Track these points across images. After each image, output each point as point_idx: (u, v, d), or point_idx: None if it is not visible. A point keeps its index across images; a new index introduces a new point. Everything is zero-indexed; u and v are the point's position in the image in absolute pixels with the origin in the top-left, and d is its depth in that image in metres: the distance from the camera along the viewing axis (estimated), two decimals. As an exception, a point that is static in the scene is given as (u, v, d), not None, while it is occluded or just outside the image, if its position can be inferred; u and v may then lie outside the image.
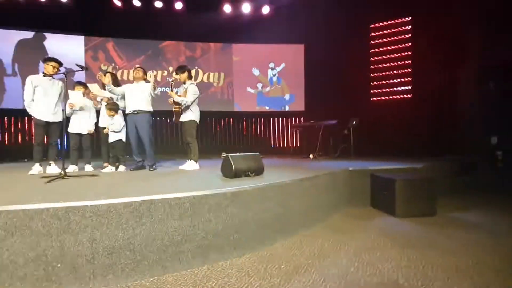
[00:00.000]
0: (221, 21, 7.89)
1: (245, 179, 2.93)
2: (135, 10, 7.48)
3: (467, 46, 6.50)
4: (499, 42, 5.86)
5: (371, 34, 7.67)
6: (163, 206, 2.00)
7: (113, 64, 7.91)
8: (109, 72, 4.32)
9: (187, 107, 4.01)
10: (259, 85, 8.74)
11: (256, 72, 8.72)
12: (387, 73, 7.50)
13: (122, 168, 4.12)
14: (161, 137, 8.13)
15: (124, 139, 4.17)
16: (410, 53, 7.19)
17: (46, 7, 7.00)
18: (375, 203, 3.85)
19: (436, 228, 2.97)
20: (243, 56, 8.62)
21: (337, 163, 4.75)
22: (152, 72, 7.96)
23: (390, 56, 7.44)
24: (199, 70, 8.42)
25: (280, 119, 8.93)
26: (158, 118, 8.00)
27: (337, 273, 1.99)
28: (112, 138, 4.11)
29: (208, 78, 8.49)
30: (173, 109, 4.06)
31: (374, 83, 7.66)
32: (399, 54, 7.32)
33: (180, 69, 4.10)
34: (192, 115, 4.03)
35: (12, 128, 7.32)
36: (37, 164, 3.77)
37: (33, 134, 3.90)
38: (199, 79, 8.34)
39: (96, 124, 4.39)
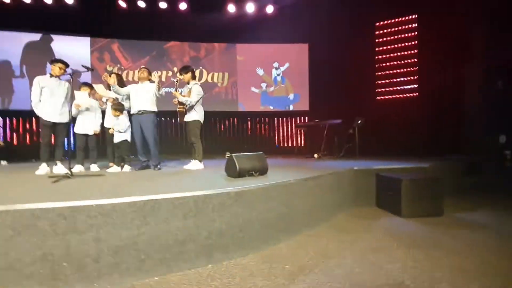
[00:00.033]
0: (225, 21, 7.90)
1: (249, 179, 2.93)
2: (140, 11, 7.54)
3: (472, 45, 6.40)
4: (504, 42, 5.77)
5: (376, 33, 7.60)
6: (167, 205, 2.01)
7: (118, 65, 7.99)
8: (114, 72, 4.36)
9: (191, 107, 4.02)
10: (263, 85, 8.73)
11: (260, 71, 8.72)
12: (392, 71, 7.42)
13: (127, 168, 4.15)
14: (166, 137, 8.17)
15: (129, 139, 4.20)
16: (416, 51, 7.10)
17: (53, 10, 7.10)
18: (381, 203, 3.81)
19: (443, 229, 2.93)
20: (247, 56, 8.62)
21: (342, 163, 4.72)
22: (157, 72, 8.01)
23: (396, 54, 7.36)
24: (204, 70, 8.45)
25: (284, 118, 8.91)
26: (163, 118, 8.04)
27: (342, 273, 1.98)
28: (117, 138, 4.14)
29: (212, 78, 8.51)
30: (177, 109, 4.08)
31: (379, 82, 7.59)
32: (405, 53, 7.25)
33: (184, 70, 4.12)
34: (196, 115, 4.05)
35: (21, 129, 7.43)
36: (44, 164, 3.82)
37: (40, 134, 3.95)
38: (203, 79, 8.37)
39: (102, 124, 4.44)
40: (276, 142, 8.91)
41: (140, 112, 4.00)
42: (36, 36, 7.46)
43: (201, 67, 8.41)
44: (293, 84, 8.76)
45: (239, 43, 8.54)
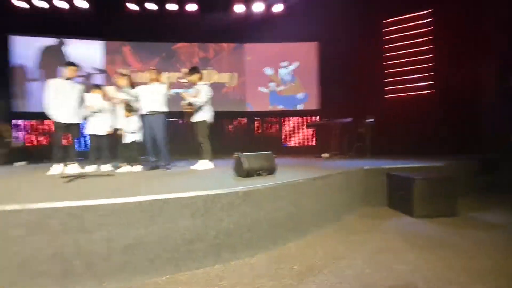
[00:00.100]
0: (234, 22, 7.92)
1: (258, 179, 2.91)
2: (150, 14, 7.65)
3: (489, 40, 6.17)
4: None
5: (387, 29, 7.45)
6: (176, 205, 2.02)
7: (129, 67, 8.12)
8: (125, 74, 4.43)
9: (200, 108, 4.05)
10: (272, 84, 8.70)
11: (269, 71, 8.69)
12: (405, 69, 7.25)
13: (137, 168, 4.21)
14: (175, 137, 8.25)
15: (139, 140, 4.26)
16: (431, 46, 6.90)
17: (66, 15, 7.29)
18: (392, 203, 3.73)
19: (456, 229, 2.84)
20: (255, 56, 8.62)
21: (352, 162, 4.64)
22: (167, 73, 8.10)
23: (409, 51, 7.18)
24: (212, 70, 8.49)
25: (293, 118, 8.85)
26: (172, 119, 8.12)
27: (352, 274, 1.94)
28: (128, 138, 4.21)
29: (221, 78, 8.55)
30: (186, 110, 4.11)
31: (391, 79, 7.44)
32: (419, 49, 7.05)
33: (192, 71, 4.16)
34: (204, 115, 4.07)
35: (36, 131, 7.67)
36: (57, 164, 3.92)
37: (53, 135, 4.06)
38: (212, 80, 8.41)
39: (113, 125, 4.51)
40: (285, 142, 8.86)
41: (150, 113, 4.05)
42: (50, 41, 7.69)
43: (210, 68, 8.45)
44: (302, 83, 8.70)
45: (247, 43, 8.54)
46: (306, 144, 8.81)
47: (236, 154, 3.21)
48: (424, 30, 7.00)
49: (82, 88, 4.08)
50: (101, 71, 7.86)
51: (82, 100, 4.09)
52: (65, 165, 4.02)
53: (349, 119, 6.15)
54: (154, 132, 4.05)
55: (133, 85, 4.38)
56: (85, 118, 4.25)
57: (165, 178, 3.22)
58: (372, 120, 5.94)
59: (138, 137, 4.24)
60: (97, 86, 4.52)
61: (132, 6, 7.50)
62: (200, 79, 4.19)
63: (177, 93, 4.47)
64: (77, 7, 7.21)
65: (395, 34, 7.34)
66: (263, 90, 8.67)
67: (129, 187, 2.56)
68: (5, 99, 6.95)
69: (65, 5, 7.18)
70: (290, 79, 8.72)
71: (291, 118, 8.83)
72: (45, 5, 7.10)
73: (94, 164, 4.32)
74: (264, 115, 8.78)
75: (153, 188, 2.48)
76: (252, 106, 8.65)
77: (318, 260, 2.18)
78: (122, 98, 4.32)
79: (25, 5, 7.04)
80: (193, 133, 4.24)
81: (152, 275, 1.92)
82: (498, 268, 1.99)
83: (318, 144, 8.21)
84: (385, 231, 2.85)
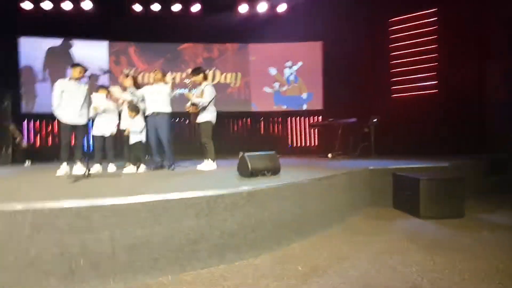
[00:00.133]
0: (238, 22, 7.92)
1: (262, 179, 2.91)
2: (154, 15, 7.68)
3: (495, 38, 6.07)
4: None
5: (392, 28, 7.37)
6: (180, 205, 2.02)
7: (134, 68, 8.18)
8: (130, 75, 4.46)
9: (204, 108, 4.06)
10: (276, 84, 8.68)
11: (273, 71, 8.68)
12: (409, 68, 7.17)
13: (142, 168, 4.24)
14: (179, 137, 8.29)
15: (144, 140, 4.29)
16: (435, 46, 6.83)
17: (72, 16, 7.36)
18: (398, 203, 3.69)
19: (464, 231, 2.80)
20: (259, 56, 8.61)
21: (357, 162, 4.61)
22: (171, 73, 8.15)
23: (413, 50, 7.10)
24: (217, 71, 8.51)
25: (298, 118, 8.82)
26: (177, 119, 8.17)
27: (357, 275, 1.92)
28: (133, 139, 4.24)
29: (225, 78, 8.56)
30: (190, 110, 4.12)
31: (395, 79, 7.37)
32: (423, 48, 6.98)
33: (196, 71, 4.17)
34: (208, 115, 4.08)
35: (43, 131, 7.77)
36: (64, 165, 3.96)
37: (60, 136, 4.11)
38: (216, 80, 8.43)
39: (118, 125, 4.55)
40: (290, 142, 8.83)
41: (155, 113, 4.07)
42: (57, 42, 7.77)
43: (214, 68, 8.47)
44: (307, 83, 8.66)
45: (251, 43, 8.53)
46: (310, 144, 8.77)
47: (241, 154, 3.21)
48: (428, 29, 6.92)
49: (88, 89, 4.12)
50: (107, 72, 7.93)
51: (88, 101, 4.13)
52: (72, 165, 4.07)
53: (353, 119, 6.11)
54: (158, 132, 4.07)
55: (138, 85, 4.42)
56: (91, 119, 4.29)
57: (170, 178, 3.24)
58: (376, 120, 5.89)
59: (143, 137, 4.26)
60: (103, 87, 4.56)
61: (137, 7, 7.55)
62: (204, 79, 4.20)
63: (182, 94, 4.50)
64: (83, 8, 7.29)
65: (401, 33, 7.27)
66: (268, 90, 8.66)
67: (134, 187, 2.58)
68: (14, 100, 7.05)
69: (71, 7, 7.26)
70: (294, 79, 8.69)
71: (295, 118, 8.80)
72: (52, 7, 7.19)
73: (99, 164, 4.36)
74: (269, 115, 8.76)
75: (158, 188, 2.49)
76: (257, 106, 8.64)
77: (322, 260, 2.17)
78: (127, 98, 4.35)
79: (32, 7, 7.14)
80: (197, 133, 4.25)
81: (157, 274, 1.93)
82: (505, 270, 1.95)
83: (323, 144, 8.16)
84: (391, 232, 2.83)
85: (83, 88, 4.07)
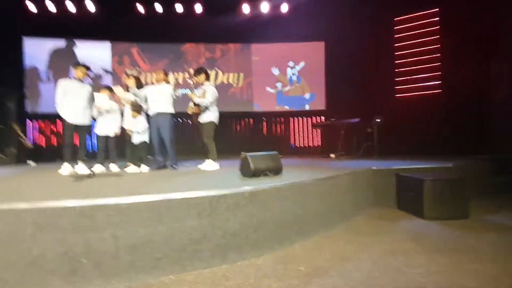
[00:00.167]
0: (240, 22, 7.92)
1: (264, 179, 2.90)
2: (157, 15, 7.72)
3: (499, 37, 6.01)
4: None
5: (395, 28, 7.34)
6: (182, 205, 2.02)
7: (137, 68, 8.21)
8: (133, 75, 4.48)
9: (206, 108, 4.06)
10: (279, 85, 8.67)
11: (275, 71, 8.67)
12: (412, 68, 7.13)
13: (145, 168, 4.25)
14: (182, 137, 8.30)
15: (147, 140, 4.30)
16: (438, 46, 6.78)
17: (76, 17, 7.42)
18: (401, 204, 3.66)
19: (468, 232, 2.77)
20: (262, 56, 8.60)
21: (360, 163, 4.59)
22: (173, 74, 8.17)
23: (416, 50, 7.07)
24: (219, 71, 8.52)
25: (300, 118, 8.80)
26: (179, 119, 8.18)
27: (360, 277, 1.91)
28: (135, 139, 4.26)
29: (227, 79, 8.56)
30: (193, 111, 4.13)
31: (399, 79, 7.33)
32: (427, 48, 6.94)
33: (198, 71, 4.19)
34: (210, 116, 4.09)
35: (47, 131, 7.83)
36: (67, 164, 3.99)
37: (63, 135, 4.14)
38: (218, 80, 8.44)
39: (121, 125, 4.57)
40: (292, 142, 8.81)
41: (157, 113, 4.08)
42: (61, 42, 7.83)
43: (216, 68, 8.48)
44: (309, 83, 8.64)
45: (254, 43, 8.53)
46: (313, 144, 8.75)
47: (243, 154, 3.21)
48: (431, 29, 6.87)
49: (91, 89, 4.14)
50: (110, 72, 7.98)
51: (91, 101, 4.15)
52: (75, 165, 4.09)
53: (356, 119, 6.08)
54: (161, 132, 4.08)
55: (140, 85, 4.43)
56: (93, 119, 4.32)
57: (172, 178, 3.24)
58: (379, 120, 5.86)
59: (145, 137, 4.27)
60: (106, 87, 4.58)
61: (140, 8, 7.59)
62: (206, 79, 4.21)
63: (184, 94, 4.50)
64: (86, 9, 7.34)
65: (404, 33, 7.23)
66: (270, 90, 8.65)
67: (136, 187, 2.58)
68: (18, 100, 7.12)
69: (75, 8, 7.31)
70: (297, 79, 8.68)
71: (298, 118, 8.78)
72: (56, 8, 7.24)
73: (102, 164, 4.37)
74: (271, 116, 8.75)
75: (160, 188, 2.49)
76: (259, 106, 8.64)
77: (325, 261, 2.16)
78: (130, 98, 4.37)
79: (37, 8, 7.20)
80: (200, 133, 4.26)
81: (159, 274, 1.93)
82: (511, 272, 1.93)
83: (325, 144, 8.13)
84: (394, 232, 2.80)
85: (86, 88, 4.10)
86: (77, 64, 4.12)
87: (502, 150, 5.72)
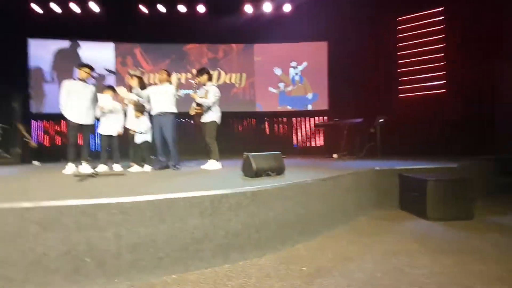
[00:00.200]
0: (243, 22, 7.93)
1: (266, 179, 2.90)
2: (160, 16, 7.75)
3: (506, 36, 5.95)
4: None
5: (399, 28, 7.30)
6: (184, 204, 2.03)
7: (140, 68, 8.25)
8: (136, 75, 4.50)
9: (208, 108, 4.07)
10: (281, 85, 8.67)
11: (278, 71, 8.66)
12: (416, 68, 7.09)
13: (147, 167, 4.27)
14: (184, 137, 8.33)
15: (150, 140, 4.32)
16: (442, 45, 6.74)
17: (79, 18, 7.47)
18: (404, 205, 3.64)
19: (473, 233, 2.74)
20: (264, 56, 8.60)
21: (363, 163, 4.56)
22: (176, 74, 8.19)
23: (420, 49, 7.02)
24: (221, 71, 8.53)
25: (303, 118, 8.78)
26: (182, 119, 8.20)
27: (363, 277, 1.90)
28: (138, 139, 4.28)
29: (230, 79, 8.57)
30: (195, 111, 4.14)
31: (402, 79, 7.29)
32: (431, 47, 6.89)
33: (200, 72, 4.20)
34: (213, 116, 4.09)
35: (51, 131, 7.89)
36: (71, 164, 4.01)
37: (67, 135, 4.17)
38: (221, 80, 8.45)
39: (124, 125, 4.59)
40: (295, 142, 8.80)
41: (160, 114, 4.10)
42: (65, 43, 7.90)
43: (219, 69, 8.49)
44: (312, 83, 8.63)
45: (256, 44, 8.54)
46: (316, 144, 8.73)
47: (245, 154, 3.21)
48: (435, 28, 6.83)
49: (94, 89, 4.16)
50: (113, 72, 8.02)
51: (95, 101, 4.17)
52: (78, 165, 4.11)
53: (359, 119, 6.05)
54: (164, 132, 4.10)
55: (143, 86, 4.45)
56: (97, 119, 4.34)
57: (175, 177, 3.25)
58: (382, 120, 5.83)
59: (148, 137, 4.29)
60: (109, 87, 4.61)
61: (143, 9, 7.62)
62: (209, 80, 4.21)
63: (186, 94, 4.52)
64: (90, 10, 7.39)
65: (407, 32, 7.19)
66: (273, 90, 8.65)
67: (139, 186, 2.59)
68: (23, 100, 7.19)
69: (79, 9, 7.36)
70: (300, 79, 8.66)
71: (300, 118, 8.77)
72: (60, 9, 7.30)
73: (105, 163, 4.40)
74: (274, 116, 8.75)
75: (163, 187, 2.50)
76: (262, 106, 8.64)
77: (327, 261, 2.15)
78: (133, 99, 4.39)
79: (42, 9, 7.26)
80: (202, 133, 4.27)
81: (162, 274, 1.94)
82: (517, 274, 1.91)
83: (328, 144, 8.11)
84: (397, 233, 2.79)
85: (90, 88, 4.12)
86: (81, 65, 4.15)
87: (506, 150, 5.66)
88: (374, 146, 5.89)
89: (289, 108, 8.68)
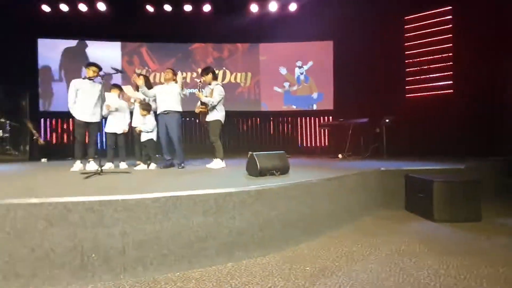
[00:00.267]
0: (248, 22, 7.93)
1: (270, 178, 2.90)
2: (166, 15, 7.79)
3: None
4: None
5: (406, 27, 7.21)
6: (188, 202, 2.04)
7: (146, 68, 8.32)
8: (142, 74, 4.54)
9: (213, 107, 4.09)
10: (286, 84, 8.65)
11: (283, 71, 8.65)
12: (424, 67, 7.00)
13: (153, 166, 4.30)
14: (190, 136, 8.38)
15: (155, 139, 4.35)
16: (450, 45, 6.64)
17: (87, 18, 7.56)
18: (410, 206, 3.60)
19: (480, 235, 2.70)
20: (270, 55, 8.59)
21: (368, 163, 4.53)
22: (182, 73, 8.23)
23: (428, 49, 6.93)
24: (227, 70, 8.54)
25: (308, 118, 8.75)
26: (187, 118, 8.25)
27: (367, 278, 1.88)
28: (144, 137, 4.31)
29: (235, 78, 8.58)
30: (200, 110, 4.16)
31: (409, 78, 7.21)
32: (438, 47, 6.80)
33: (205, 71, 4.21)
34: (217, 114, 4.10)
35: (59, 129, 8.01)
36: (78, 161, 4.07)
37: (74, 133, 4.23)
38: (226, 80, 8.46)
39: (130, 124, 4.63)
40: (299, 142, 8.78)
41: (166, 112, 4.12)
42: (72, 43, 8.00)
43: (224, 68, 8.51)
44: (317, 83, 8.59)
45: (262, 43, 8.53)
46: (321, 144, 8.69)
47: (250, 153, 3.21)
48: (443, 28, 6.73)
49: (102, 88, 4.21)
50: (119, 71, 8.09)
51: (102, 99, 4.22)
52: (85, 162, 4.17)
53: (364, 119, 6.01)
54: (169, 131, 4.12)
55: (150, 85, 4.48)
56: (103, 117, 4.39)
57: (179, 176, 3.27)
58: (388, 120, 5.77)
59: (154, 135, 4.32)
60: (116, 86, 4.66)
61: (149, 8, 7.68)
62: (214, 79, 4.23)
63: (191, 93, 4.54)
64: (97, 10, 7.47)
65: (415, 32, 7.10)
66: (278, 89, 8.63)
67: (144, 184, 2.62)
68: (32, 98, 7.32)
69: (86, 9, 7.45)
70: (305, 78, 8.63)
71: (306, 118, 8.74)
72: (68, 9, 7.40)
73: (111, 161, 4.45)
74: (279, 115, 8.73)
75: (168, 185, 2.52)
76: (267, 105, 8.63)
77: (331, 262, 2.14)
78: (139, 97, 4.43)
79: (51, 9, 7.37)
80: (207, 132, 4.28)
81: (166, 270, 1.95)
82: (526, 277, 1.87)
83: (332, 145, 8.07)
84: (403, 234, 2.76)
85: (97, 87, 4.17)
86: (88, 64, 4.21)
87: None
88: (379, 147, 5.84)
89: (294, 107, 8.66)
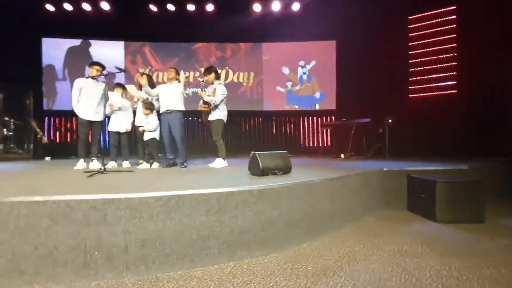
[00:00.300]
0: (251, 21, 7.93)
1: (273, 178, 2.90)
2: (169, 14, 7.81)
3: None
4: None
5: (410, 26, 7.18)
6: (191, 201, 2.05)
7: (149, 67, 8.35)
8: (145, 74, 4.56)
9: (215, 107, 4.09)
10: (289, 84, 8.64)
11: (286, 70, 8.64)
12: (427, 67, 6.96)
13: (155, 165, 4.32)
14: (192, 135, 8.40)
15: (158, 138, 4.36)
16: (454, 45, 6.60)
17: (91, 17, 7.60)
18: (412, 206, 3.59)
19: (483, 236, 2.68)
20: (272, 55, 8.59)
21: (371, 163, 4.52)
22: (184, 73, 8.25)
23: (432, 49, 6.89)
24: (229, 70, 8.55)
25: (310, 118, 8.74)
26: (190, 118, 8.27)
27: (368, 278, 1.88)
28: (147, 136, 4.33)
29: (238, 78, 8.59)
30: (202, 109, 4.17)
31: (412, 78, 7.17)
32: (442, 47, 6.76)
33: (207, 70, 4.22)
34: (220, 114, 4.11)
35: (63, 128, 8.06)
36: (81, 160, 4.10)
37: (78, 132, 4.25)
38: (229, 79, 8.47)
39: (133, 123, 4.65)
40: (302, 142, 8.77)
41: (169, 111, 4.14)
42: (76, 42, 8.04)
43: (227, 67, 8.51)
44: (320, 83, 8.57)
45: (264, 43, 8.53)
46: (323, 144, 8.68)
47: (253, 152, 3.22)
48: (447, 27, 6.69)
49: (105, 87, 4.23)
50: (122, 70, 8.13)
51: (106, 98, 4.24)
52: (89, 161, 4.19)
53: (367, 119, 5.99)
54: (172, 130, 4.14)
55: (153, 84, 4.50)
56: (107, 116, 4.41)
57: (182, 175, 3.28)
58: (390, 120, 5.75)
59: (156, 135, 4.34)
60: (119, 85, 4.68)
61: (152, 8, 7.70)
62: (216, 78, 4.23)
63: (194, 92, 4.55)
64: (101, 9, 7.51)
65: (418, 32, 7.07)
66: (280, 89, 8.63)
67: (147, 183, 2.63)
68: (36, 97, 7.37)
69: (90, 8, 7.49)
70: (308, 78, 8.62)
71: (308, 118, 8.72)
72: (72, 9, 7.44)
73: (114, 160, 4.47)
74: (281, 115, 8.73)
75: (171, 184, 2.53)
76: (270, 105, 8.63)
77: (333, 262, 2.14)
78: (142, 97, 4.45)
79: (55, 8, 7.42)
80: (209, 131, 4.29)
81: (168, 269, 1.96)
82: (529, 279, 1.86)
83: (335, 145, 8.05)
84: (405, 234, 2.75)
85: (100, 86, 4.19)
86: (92, 63, 4.24)
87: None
88: (382, 147, 5.82)
89: (296, 107, 8.64)
